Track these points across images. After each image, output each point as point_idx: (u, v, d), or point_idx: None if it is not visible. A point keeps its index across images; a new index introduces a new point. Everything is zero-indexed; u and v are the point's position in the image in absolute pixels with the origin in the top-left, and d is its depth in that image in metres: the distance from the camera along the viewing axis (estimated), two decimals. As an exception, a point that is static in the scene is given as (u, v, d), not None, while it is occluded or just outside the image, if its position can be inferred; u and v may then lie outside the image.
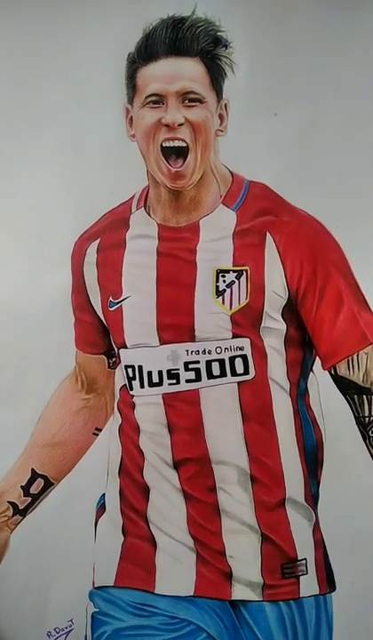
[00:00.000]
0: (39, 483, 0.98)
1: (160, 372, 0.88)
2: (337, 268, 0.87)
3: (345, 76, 0.92)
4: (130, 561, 0.90)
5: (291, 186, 0.90)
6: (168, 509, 0.89)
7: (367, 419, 0.88)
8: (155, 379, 0.88)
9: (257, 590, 0.88)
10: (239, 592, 0.87)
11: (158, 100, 0.86)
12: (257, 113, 0.94)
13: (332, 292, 0.86)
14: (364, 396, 0.87)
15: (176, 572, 0.88)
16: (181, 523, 0.87)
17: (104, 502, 0.96)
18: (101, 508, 0.96)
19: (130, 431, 0.92)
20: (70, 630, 0.95)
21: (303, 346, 0.90)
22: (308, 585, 0.88)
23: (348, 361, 0.86)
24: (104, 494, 0.96)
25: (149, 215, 0.92)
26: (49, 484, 0.99)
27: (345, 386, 0.88)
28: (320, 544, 0.90)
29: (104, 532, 0.94)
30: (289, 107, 0.93)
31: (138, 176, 0.92)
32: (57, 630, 0.96)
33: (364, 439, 0.88)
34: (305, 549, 0.88)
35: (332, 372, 0.88)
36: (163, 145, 0.86)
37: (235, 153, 0.91)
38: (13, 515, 0.97)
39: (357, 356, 0.86)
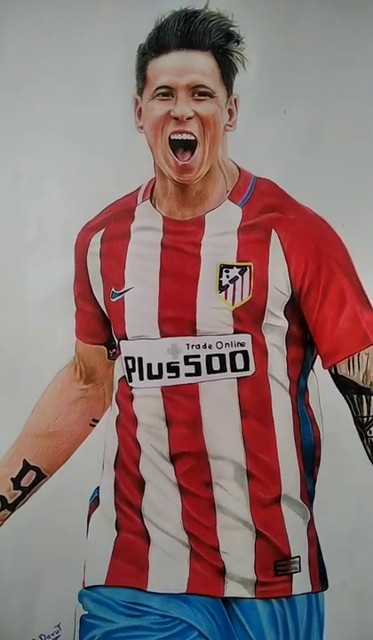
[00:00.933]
0: (31, 475, 0.97)
1: (160, 365, 0.88)
2: (341, 267, 0.87)
3: (357, 76, 0.92)
4: (122, 557, 0.90)
5: (298, 184, 0.90)
6: (163, 504, 0.88)
7: (365, 418, 0.88)
8: (155, 371, 0.88)
9: (250, 587, 0.87)
10: (232, 589, 0.86)
11: (168, 92, 0.86)
12: (267, 110, 0.94)
13: (335, 291, 0.86)
14: (363, 396, 0.87)
15: (169, 568, 0.88)
16: (176, 517, 0.87)
17: (98, 496, 0.95)
18: (95, 501, 0.95)
19: (127, 423, 0.91)
20: (57, 637, 0.93)
21: (304, 344, 0.90)
22: (301, 583, 0.88)
23: (349, 361, 0.86)
24: (98, 487, 0.95)
25: (155, 207, 0.91)
26: (41, 477, 0.97)
27: (344, 385, 0.88)
28: (314, 542, 0.90)
29: (97, 527, 0.93)
30: (299, 105, 0.93)
31: (145, 168, 0.91)
32: (42, 638, 0.94)
33: (362, 439, 0.88)
34: (298, 547, 0.88)
35: (332, 371, 0.88)
36: (172, 137, 0.86)
37: (243, 149, 0.91)
38: (1, 509, 0.96)
39: (358, 356, 0.86)
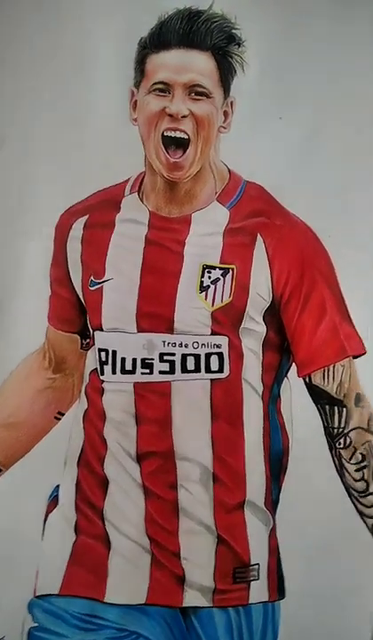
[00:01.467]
0: None
1: (134, 360, 0.86)
2: (323, 276, 0.88)
3: (357, 86, 0.93)
4: (80, 564, 0.86)
5: (289, 190, 0.90)
6: (126, 505, 0.86)
7: (335, 430, 0.88)
8: (129, 366, 0.86)
9: (208, 595, 0.85)
10: (190, 598, 0.84)
11: (165, 88, 0.85)
12: (263, 114, 0.94)
13: (316, 300, 0.86)
14: (335, 408, 0.87)
15: (129, 576, 0.85)
16: (139, 521, 0.85)
17: (57, 495, 0.91)
18: (53, 500, 0.91)
19: (95, 418, 0.89)
20: None
21: (280, 350, 0.89)
22: (258, 591, 0.87)
23: (324, 371, 0.86)
24: (58, 486, 0.91)
25: (142, 201, 0.90)
26: None
27: (317, 395, 0.88)
28: (274, 550, 0.89)
29: (54, 528, 0.89)
30: (295, 112, 0.94)
31: (136, 160, 0.90)
32: (-18, 651, 0.89)
33: (330, 450, 0.88)
34: (259, 554, 0.87)
35: (307, 380, 0.88)
36: (165, 134, 0.85)
37: (236, 152, 0.91)
38: None
39: (333, 367, 0.86)
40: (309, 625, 0.89)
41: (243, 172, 0.92)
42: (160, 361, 0.85)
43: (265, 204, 0.90)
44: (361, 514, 0.86)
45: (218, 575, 0.85)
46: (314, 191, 0.92)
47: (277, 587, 0.88)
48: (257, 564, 0.87)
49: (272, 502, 0.89)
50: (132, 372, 0.85)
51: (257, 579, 0.86)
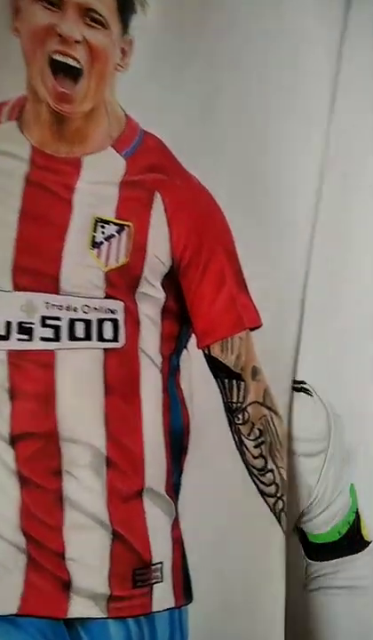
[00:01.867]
0: None
1: (8, 324, 0.73)
2: (222, 244, 0.83)
3: (261, 44, 0.89)
4: None
5: (186, 147, 0.83)
6: (-5, 497, 0.69)
7: (234, 405, 0.82)
8: (1, 330, 0.74)
9: (102, 604, 0.73)
10: (78, 608, 0.73)
11: (55, 1, 0.73)
12: (162, 65, 0.86)
13: (215, 268, 0.81)
14: (234, 381, 0.82)
15: None
16: (11, 514, 0.72)
17: None
18: None
19: None
20: None
21: (180, 320, 0.83)
22: (162, 596, 0.77)
23: (222, 343, 0.81)
24: None
25: (22, 132, 0.75)
26: None
27: (217, 368, 0.83)
28: (178, 544, 0.80)
29: None
30: (196, 67, 0.87)
31: (16, 79, 0.74)
32: None
33: (230, 425, 0.82)
34: (161, 551, 0.77)
35: (206, 351, 0.82)
36: (53, 57, 0.74)
37: (132, 100, 0.81)
38: None
39: (231, 339, 0.81)
40: (217, 629, 0.79)
41: (139, 122, 0.82)
42: (42, 326, 0.73)
43: (165, 159, 0.83)
44: (262, 493, 0.82)
45: (113, 579, 0.74)
46: (213, 151, 0.86)
47: (183, 588, 0.78)
48: (161, 562, 0.77)
49: (173, 487, 0.80)
50: (6, 337, 0.73)
51: (161, 580, 0.76)
